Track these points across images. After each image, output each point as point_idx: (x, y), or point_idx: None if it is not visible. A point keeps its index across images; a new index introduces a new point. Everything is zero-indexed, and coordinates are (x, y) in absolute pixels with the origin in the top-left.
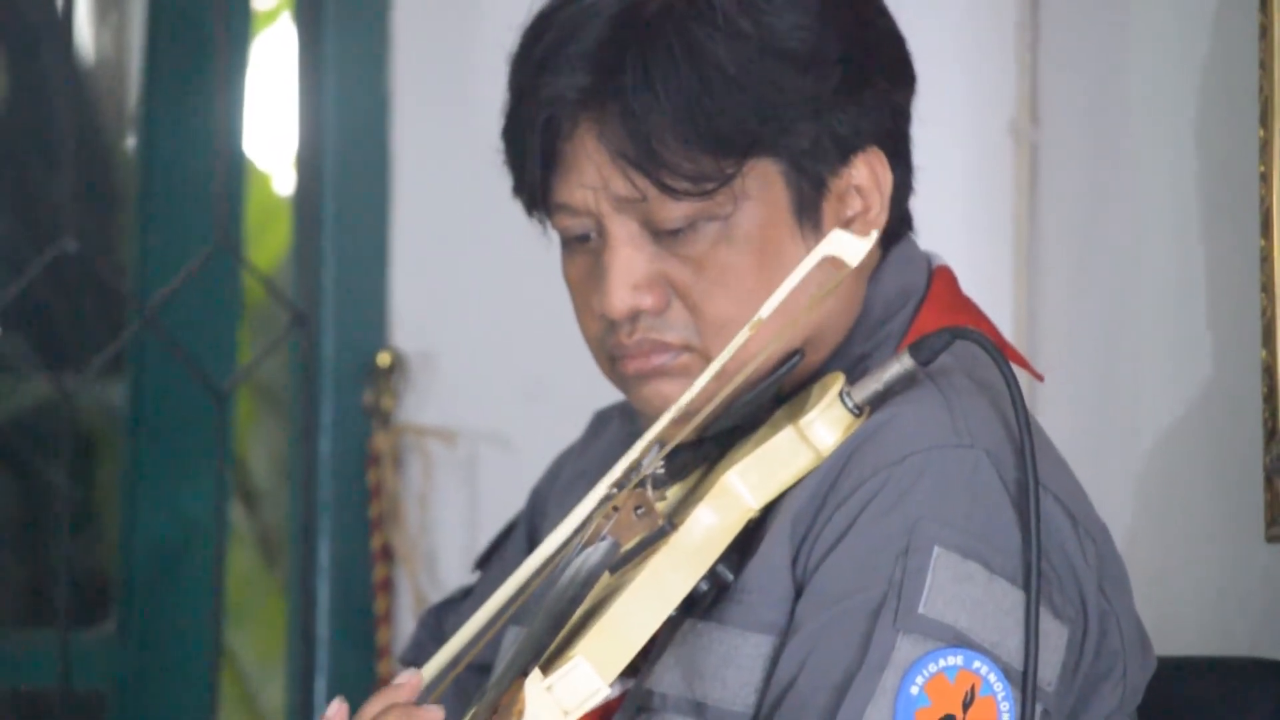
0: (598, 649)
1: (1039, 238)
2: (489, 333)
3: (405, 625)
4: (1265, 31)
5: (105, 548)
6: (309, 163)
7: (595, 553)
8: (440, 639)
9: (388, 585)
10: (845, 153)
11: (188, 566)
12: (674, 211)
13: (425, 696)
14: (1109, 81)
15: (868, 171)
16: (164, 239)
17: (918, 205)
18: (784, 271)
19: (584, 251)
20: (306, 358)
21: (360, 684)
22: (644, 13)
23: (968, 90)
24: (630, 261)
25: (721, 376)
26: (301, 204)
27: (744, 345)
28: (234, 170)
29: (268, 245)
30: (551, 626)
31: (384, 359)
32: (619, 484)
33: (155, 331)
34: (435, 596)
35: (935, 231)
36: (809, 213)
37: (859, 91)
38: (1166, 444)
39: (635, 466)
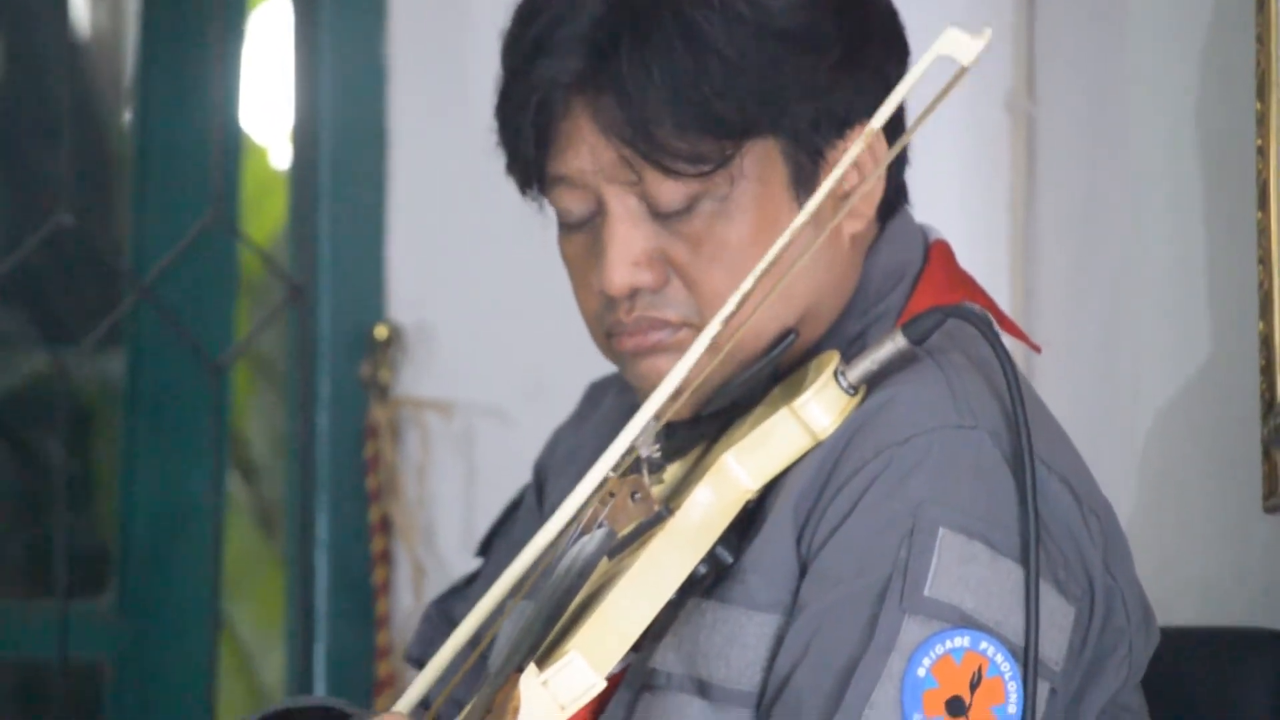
0: (593, 643)
1: (1036, 213)
2: (486, 305)
3: (403, 597)
4: (1262, 5)
5: (104, 520)
6: (305, 136)
7: (591, 542)
8: (449, 631)
9: (386, 557)
10: (841, 128)
11: (186, 538)
12: (672, 193)
13: (440, 688)
14: (1105, 55)
15: (865, 146)
16: (160, 213)
17: (915, 181)
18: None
19: (581, 230)
20: (303, 331)
21: (359, 655)
22: None
23: None
24: (629, 238)
25: (717, 353)
26: (298, 177)
27: (732, 317)
28: (230, 144)
29: (264, 219)
30: (547, 619)
31: (381, 332)
32: (616, 467)
33: (152, 305)
34: (433, 568)
35: (932, 207)
36: (806, 187)
37: (855, 68)
38: (1165, 417)
39: (632, 448)
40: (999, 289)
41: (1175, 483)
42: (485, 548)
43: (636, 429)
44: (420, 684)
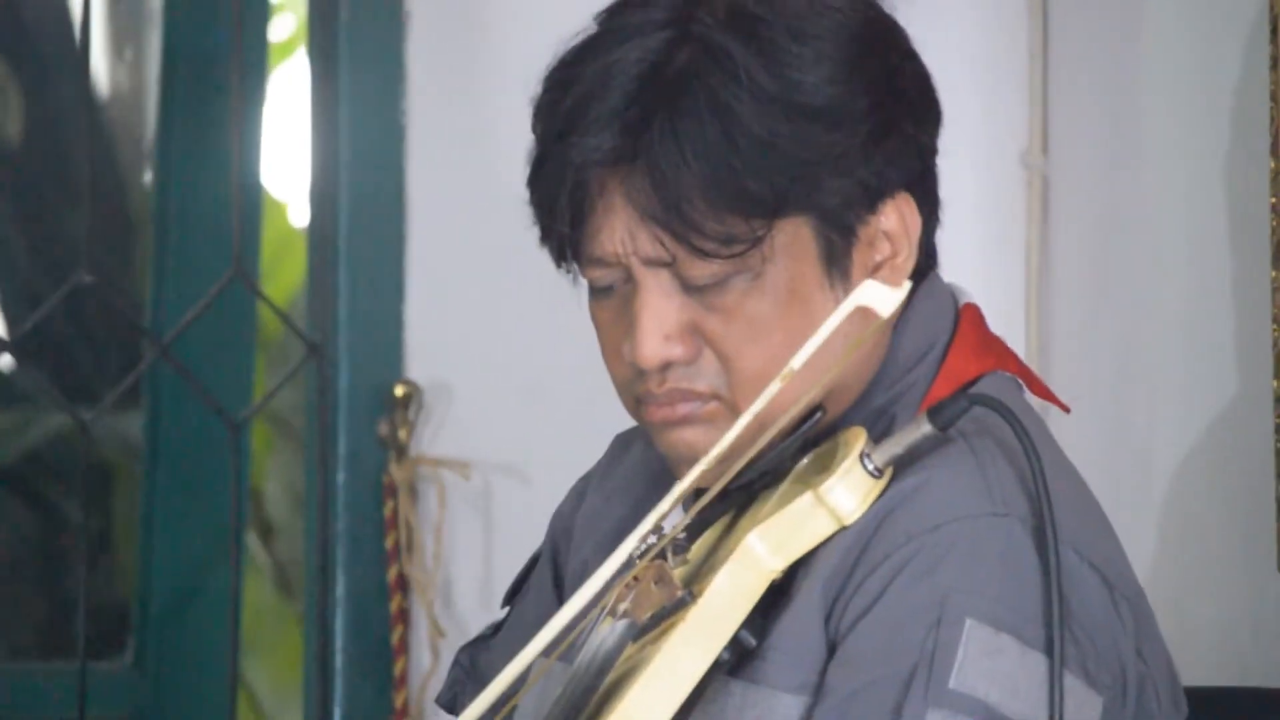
0: None
1: (1051, 268)
2: (504, 364)
3: (421, 656)
4: (1276, 63)
5: (122, 579)
6: (324, 196)
7: (612, 634)
8: (475, 677)
9: (404, 616)
10: (874, 201)
11: (204, 598)
12: (704, 270)
13: None
14: (1120, 112)
15: (897, 217)
16: (180, 271)
17: None
18: (813, 321)
19: (613, 296)
20: (322, 389)
21: (377, 715)
22: (669, 70)
23: (979, 121)
24: (662, 312)
25: (753, 428)
26: (316, 237)
27: (777, 396)
28: (250, 202)
29: (283, 277)
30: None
31: (399, 390)
32: (641, 553)
33: (171, 363)
34: (451, 627)
35: (948, 262)
36: (838, 262)
37: (887, 140)
38: (1179, 475)
39: (658, 529)
40: (1014, 344)
41: (1189, 540)
42: (511, 596)
43: (659, 515)
44: None
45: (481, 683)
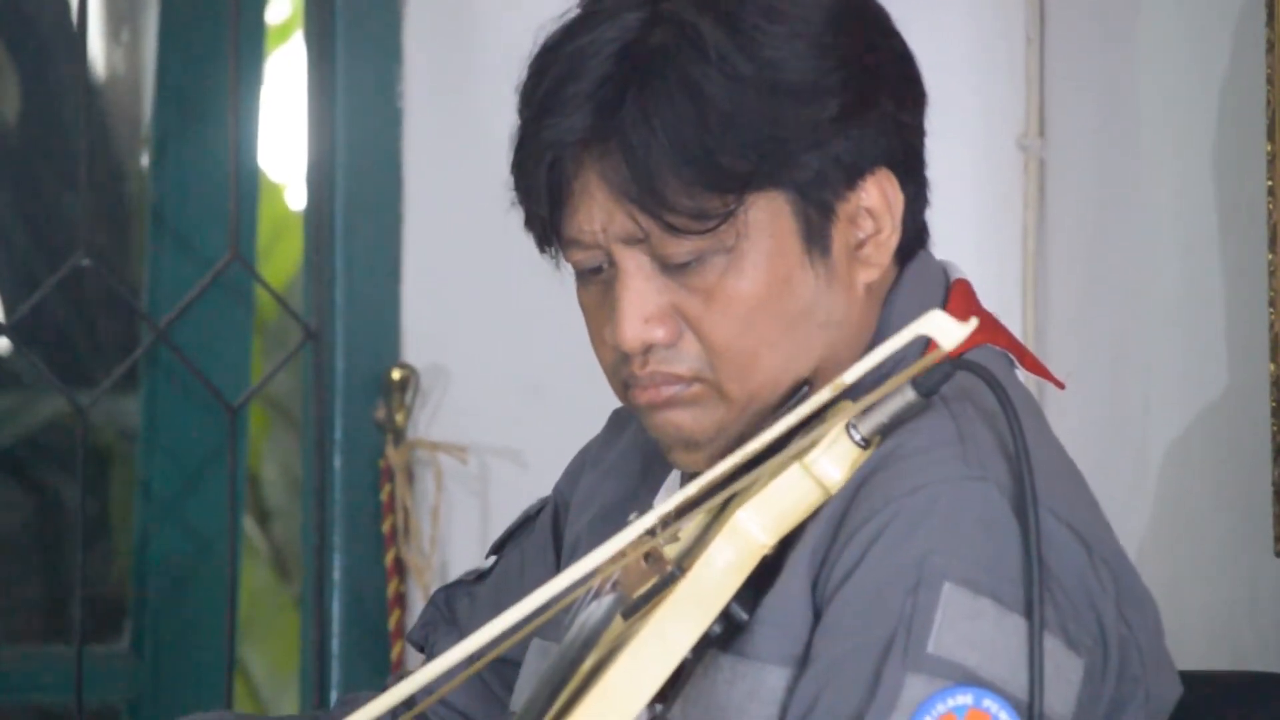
0: (596, 717)
1: (1047, 252)
2: (501, 347)
3: None
4: (1273, 46)
5: (119, 563)
6: (320, 179)
7: (599, 608)
8: (451, 621)
9: (400, 600)
10: (853, 177)
11: (201, 581)
12: (680, 247)
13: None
14: (1117, 96)
15: (878, 193)
16: (177, 254)
17: (928, 217)
18: (795, 299)
19: (596, 281)
20: (319, 373)
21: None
22: (642, 50)
23: (976, 105)
24: (641, 295)
25: (732, 406)
26: (313, 220)
27: (750, 375)
28: (246, 186)
29: (280, 260)
30: (551, 692)
31: (396, 374)
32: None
33: (168, 347)
34: None
35: (944, 246)
36: (817, 239)
37: (862, 116)
38: (1176, 457)
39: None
40: (1010, 326)
41: (1185, 524)
42: (499, 548)
43: (642, 525)
44: (398, 691)
45: (457, 627)
